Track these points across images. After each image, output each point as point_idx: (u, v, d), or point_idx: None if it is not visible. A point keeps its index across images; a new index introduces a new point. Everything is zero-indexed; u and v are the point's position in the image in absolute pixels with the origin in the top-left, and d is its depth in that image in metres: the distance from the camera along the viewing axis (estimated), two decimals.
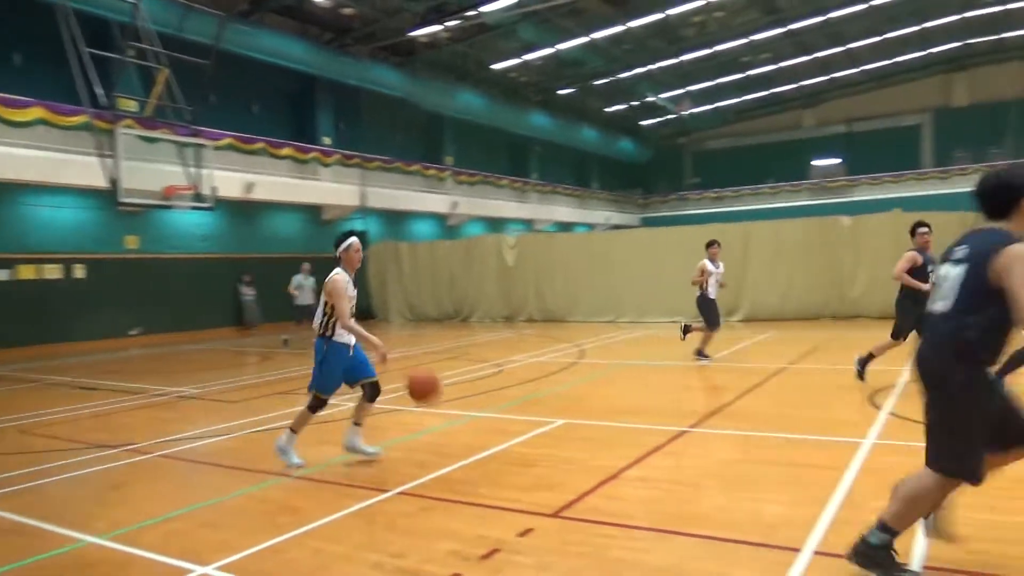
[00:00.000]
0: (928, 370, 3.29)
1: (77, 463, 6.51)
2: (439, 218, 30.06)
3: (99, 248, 18.40)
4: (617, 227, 38.02)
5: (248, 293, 21.10)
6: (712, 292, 11.32)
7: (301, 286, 16.26)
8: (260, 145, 21.67)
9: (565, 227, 36.78)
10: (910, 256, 8.16)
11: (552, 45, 28.49)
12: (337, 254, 6.01)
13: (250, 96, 23.99)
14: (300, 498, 5.20)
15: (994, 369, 3.19)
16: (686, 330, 11.72)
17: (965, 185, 34.16)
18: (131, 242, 19.16)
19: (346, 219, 25.13)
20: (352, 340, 5.88)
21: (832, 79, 38.81)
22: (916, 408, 7.24)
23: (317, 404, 5.97)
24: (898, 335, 8.37)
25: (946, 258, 3.37)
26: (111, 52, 15.05)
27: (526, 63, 30.98)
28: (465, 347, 15.26)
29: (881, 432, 6.32)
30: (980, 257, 3.12)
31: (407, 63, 28.10)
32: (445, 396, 9.03)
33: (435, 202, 28.91)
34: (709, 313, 11.34)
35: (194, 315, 20.08)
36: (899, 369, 9.17)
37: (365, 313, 23.63)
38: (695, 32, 30.13)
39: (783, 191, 40.10)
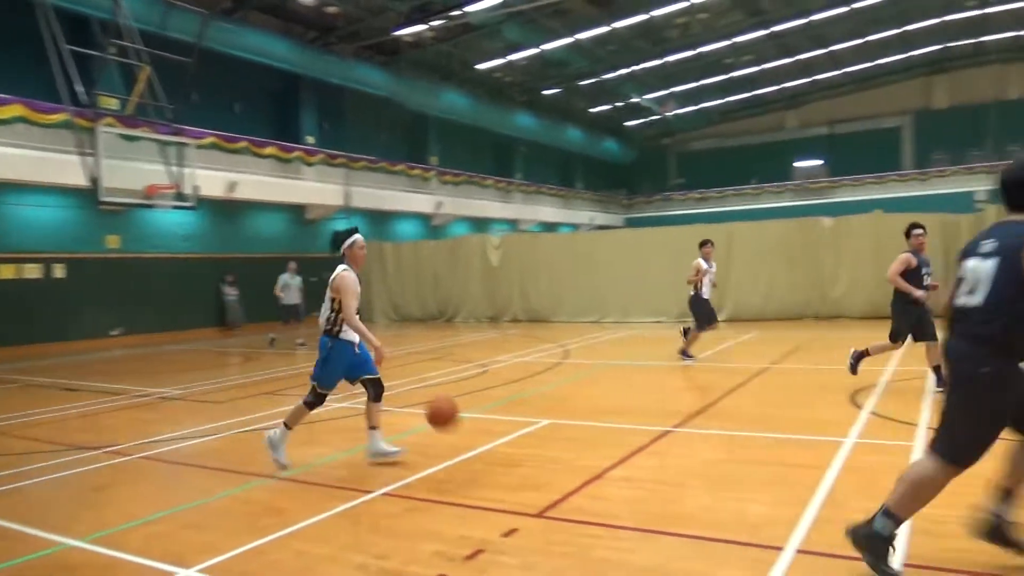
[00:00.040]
0: (958, 363, 3.31)
1: (58, 465, 6.44)
2: (423, 218, 30.01)
3: (80, 248, 18.21)
4: (601, 227, 38.14)
5: (231, 293, 20.97)
6: (706, 292, 11.33)
7: (288, 285, 16.18)
8: (243, 144, 21.53)
9: (550, 227, 36.84)
10: (904, 258, 7.94)
11: (537, 45, 28.54)
12: (341, 251, 5.95)
13: (233, 95, 23.83)
14: (284, 499, 5.17)
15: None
16: (687, 333, 11.70)
17: (945, 187, 34.72)
18: (112, 241, 18.98)
19: (330, 219, 25.04)
20: (358, 338, 5.83)
21: (814, 81, 39.15)
22: (897, 407, 7.34)
23: (315, 400, 5.92)
24: (896, 338, 8.16)
25: (972, 252, 3.38)
26: (92, 49, 14.90)
27: (511, 63, 31.01)
28: (450, 347, 15.25)
29: (862, 431, 6.39)
30: (1011, 250, 3.15)
31: (392, 62, 28.02)
32: (432, 397, 9.03)
33: (419, 202, 28.86)
34: (701, 313, 11.34)
35: (176, 315, 19.93)
36: (881, 369, 9.28)
37: None
38: (679, 33, 30.28)
39: (766, 192, 40.40)
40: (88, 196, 15.26)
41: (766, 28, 30.01)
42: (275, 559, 4.07)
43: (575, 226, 38.82)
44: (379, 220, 27.77)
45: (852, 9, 28.53)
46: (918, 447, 5.69)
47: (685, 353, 11.30)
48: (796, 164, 41.73)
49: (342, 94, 26.65)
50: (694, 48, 31.49)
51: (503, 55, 29.83)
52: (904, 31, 32.57)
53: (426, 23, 24.76)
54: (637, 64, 32.92)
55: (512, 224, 34.89)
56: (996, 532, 3.54)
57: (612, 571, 3.73)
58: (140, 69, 14.76)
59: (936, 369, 7.98)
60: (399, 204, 27.78)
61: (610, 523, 4.36)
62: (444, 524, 4.50)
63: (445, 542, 4.17)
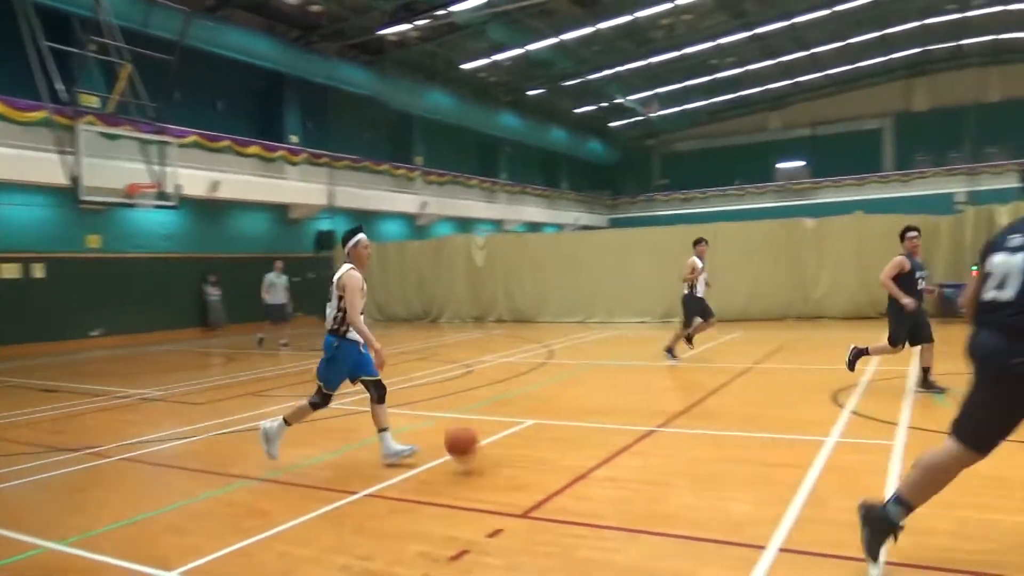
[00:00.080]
0: (989, 357, 3.34)
1: (37, 467, 6.36)
2: (408, 218, 29.94)
3: (59, 247, 18.00)
4: (586, 228, 38.23)
5: (213, 293, 20.82)
6: (700, 290, 11.33)
7: (274, 284, 16.07)
8: (226, 143, 21.38)
9: (534, 227, 36.87)
10: (897, 261, 7.82)
11: (522, 45, 28.55)
12: (346, 251, 5.94)
13: (216, 93, 23.65)
14: (267, 501, 5.14)
15: None
16: (690, 339, 11.64)
17: (926, 188, 35.08)
18: (93, 241, 18.78)
19: (313, 219, 24.93)
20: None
21: (797, 83, 39.46)
22: (878, 407, 7.41)
23: (320, 401, 5.88)
24: (895, 342, 7.97)
25: (999, 247, 3.42)
26: (72, 46, 14.76)
27: (496, 63, 31.00)
28: (434, 348, 15.23)
29: (844, 431, 6.44)
30: None
31: (376, 62, 27.92)
32: (417, 397, 9.03)
33: (404, 202, 28.79)
34: (692, 311, 11.32)
35: (158, 316, 19.75)
36: (862, 368, 9.35)
37: None
38: (663, 35, 30.41)
39: (749, 193, 40.67)
40: (68, 195, 15.08)
41: (749, 30, 30.21)
42: (258, 561, 4.04)
43: (560, 226, 38.88)
44: (363, 220, 27.58)
45: (834, 12, 28.80)
46: (898, 446, 5.75)
47: (671, 351, 11.30)
48: (779, 165, 42.04)
49: (326, 93, 26.52)
50: (678, 49, 31.64)
51: (488, 55, 29.82)
52: (885, 34, 32.91)
53: (411, 22, 24.71)
54: (621, 65, 33.02)
55: (497, 224, 34.89)
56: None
57: (597, 571, 3.73)
58: (121, 67, 14.62)
59: (926, 370, 7.99)
60: (383, 204, 27.69)
61: (595, 523, 4.37)
62: (429, 525, 4.49)
63: (430, 543, 4.16)
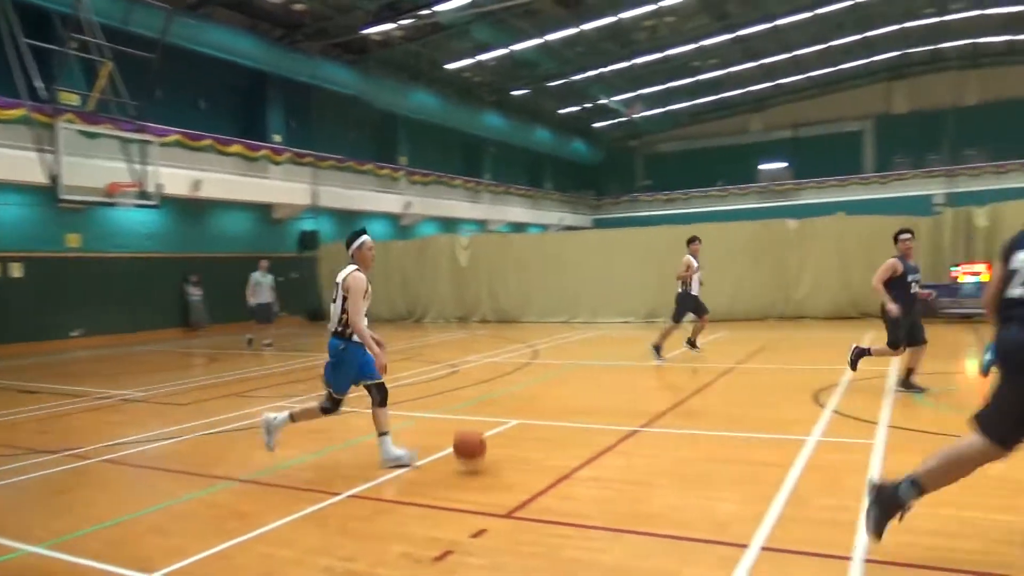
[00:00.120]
0: (1018, 351, 3.39)
1: (17, 469, 6.28)
2: (392, 218, 29.85)
3: (38, 246, 17.78)
4: (570, 228, 38.30)
5: (195, 293, 20.66)
6: (695, 288, 11.41)
7: (259, 284, 15.97)
8: (208, 142, 21.22)
9: (518, 228, 36.89)
10: (890, 264, 7.78)
11: (506, 46, 28.58)
12: (350, 253, 5.88)
13: (198, 92, 23.48)
14: (250, 502, 5.12)
15: None
16: (693, 344, 11.69)
17: (905, 190, 35.47)
18: (72, 240, 18.57)
19: (297, 218, 24.80)
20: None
21: (779, 85, 39.79)
22: (859, 406, 7.48)
23: (331, 406, 5.81)
24: (895, 345, 7.93)
25: (1023, 245, 3.51)
26: (51, 43, 14.55)
27: (480, 63, 31.00)
28: (419, 348, 15.20)
29: (825, 430, 6.50)
30: None
31: (360, 61, 27.83)
32: (404, 397, 9.00)
33: (388, 202, 28.71)
34: (685, 308, 11.37)
35: (139, 316, 19.56)
36: (842, 368, 9.44)
37: (317, 314, 23.35)
38: (647, 36, 30.54)
39: (732, 194, 40.95)
40: (47, 194, 14.88)
41: (732, 32, 30.41)
42: (240, 563, 4.02)
43: (544, 227, 38.93)
44: (347, 220, 27.51)
45: (815, 14, 29.06)
46: (879, 445, 5.82)
47: (658, 349, 11.34)
48: (761, 166, 42.33)
49: (309, 92, 26.40)
50: (661, 51, 31.80)
51: (472, 55, 29.81)
52: (865, 37, 33.26)
53: (394, 22, 24.65)
54: (605, 66, 33.14)
55: (481, 224, 34.87)
56: None
57: (581, 571, 3.75)
58: (102, 64, 14.45)
59: (910, 371, 8.02)
60: (367, 204, 27.59)
61: (579, 523, 4.39)
62: (412, 525, 4.49)
63: (413, 544, 4.16)
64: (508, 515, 4.58)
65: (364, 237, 5.92)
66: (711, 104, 41.81)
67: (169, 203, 18.45)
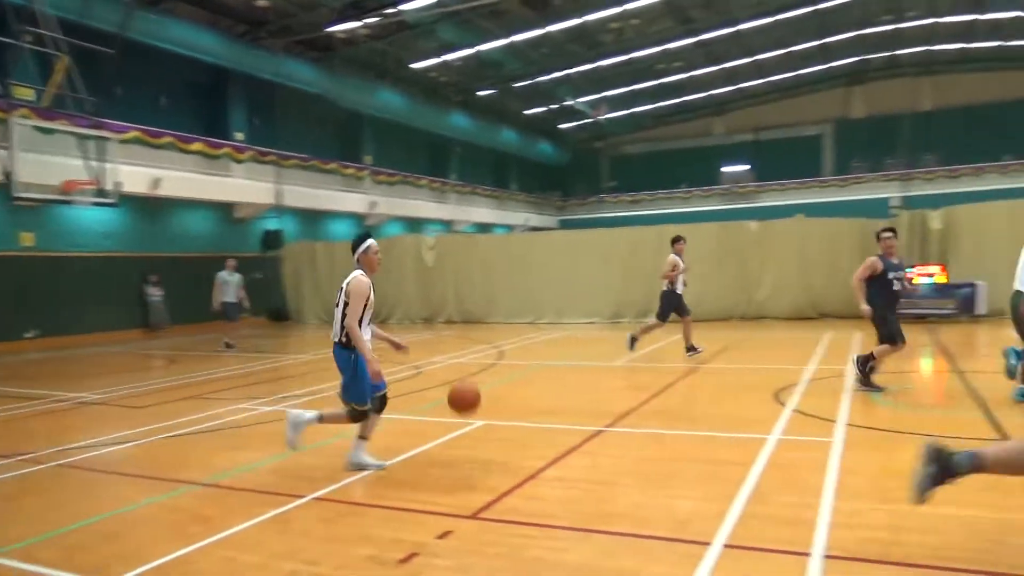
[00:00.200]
0: None
1: None
2: (357, 218, 29.62)
3: None
4: (536, 229, 38.39)
5: (155, 294, 20.25)
6: (680, 287, 11.48)
7: (226, 283, 15.73)
8: (168, 139, 20.83)
9: (484, 228, 36.88)
10: (870, 263, 7.87)
11: (472, 46, 28.54)
12: (355, 257, 5.77)
13: (158, 88, 23.02)
14: (212, 506, 5.04)
15: None
16: (691, 350, 11.50)
17: (862, 193, 36.26)
18: (26, 239, 18.06)
19: (260, 218, 24.47)
20: (371, 345, 5.61)
21: (741, 89, 40.39)
22: (818, 404, 7.62)
23: (357, 416, 5.63)
24: (893, 340, 7.96)
25: None
26: (5, 37, 14.19)
27: (446, 63, 30.91)
28: (383, 348, 15.05)
29: (785, 428, 6.62)
30: None
31: (324, 59, 27.57)
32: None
33: (353, 201, 28.48)
34: (669, 307, 11.44)
35: (97, 317, 19.10)
36: (802, 368, 9.62)
37: (280, 315, 23.08)
38: (612, 39, 30.76)
39: (695, 196, 41.44)
40: (0, 191, 14.52)
41: (695, 36, 30.77)
42: (202, 568, 3.96)
43: (510, 227, 38.98)
44: (311, 220, 27.29)
45: (776, 20, 29.55)
46: (837, 443, 5.94)
47: (633, 340, 11.72)
48: (723, 169, 42.91)
49: (273, 90, 26.07)
50: (626, 53, 32.06)
51: (438, 55, 29.72)
52: (824, 43, 33.93)
53: (360, 20, 24.45)
54: (571, 67, 33.31)
55: (447, 225, 34.79)
56: None
57: (545, 571, 3.77)
58: (58, 59, 14.14)
59: (869, 367, 8.18)
60: (332, 203, 27.35)
61: (544, 523, 4.41)
62: (377, 528, 4.46)
63: (378, 546, 4.13)
64: (474, 516, 4.58)
65: (370, 241, 5.81)
66: (675, 107, 42.26)
67: (128, 201, 18.09)
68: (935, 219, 16.73)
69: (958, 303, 15.34)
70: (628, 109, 41.04)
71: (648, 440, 6.51)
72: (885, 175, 36.80)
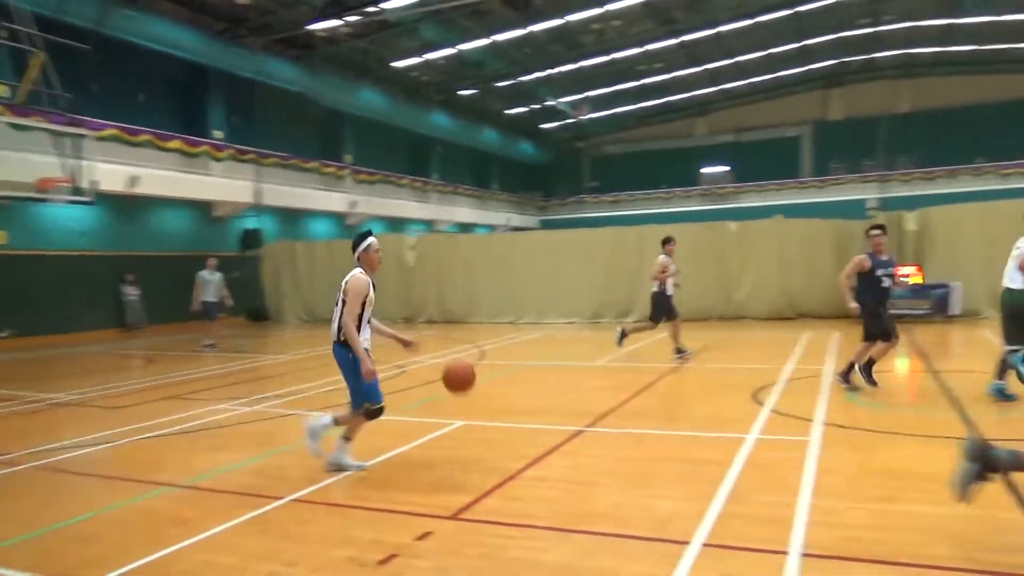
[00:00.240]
0: None
1: None
2: (337, 217, 29.46)
3: None
4: (517, 229, 38.41)
5: (132, 293, 20.02)
6: (670, 288, 11.43)
7: (207, 281, 15.59)
8: (146, 137, 20.59)
9: (465, 228, 36.83)
10: (857, 260, 7.96)
11: (454, 45, 28.49)
12: (356, 256, 5.73)
13: (137, 85, 22.73)
14: (189, 508, 4.99)
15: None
16: (680, 352, 11.47)
17: (841, 194, 36.64)
18: (0, 237, 17.79)
19: (239, 216, 24.26)
20: (370, 344, 5.57)
21: (722, 90, 40.64)
22: (795, 404, 7.68)
23: (374, 414, 5.58)
24: (888, 336, 8.05)
25: None
26: None
27: (428, 62, 30.84)
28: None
29: (764, 427, 6.67)
30: None
31: (305, 57, 27.38)
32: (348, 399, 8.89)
33: (333, 201, 28.32)
34: (660, 309, 11.40)
35: (72, 316, 18.84)
36: (780, 367, 9.70)
37: (259, 315, 22.89)
38: (594, 39, 30.84)
39: (676, 196, 41.66)
40: None
41: (676, 37, 30.94)
42: (180, 570, 3.93)
43: (491, 227, 38.95)
44: (291, 219, 27.11)
45: (756, 22, 29.78)
46: (814, 442, 5.99)
47: (623, 335, 11.80)
48: (703, 170, 43.17)
49: (253, 88, 25.84)
50: (608, 54, 32.17)
51: (420, 54, 29.63)
52: (804, 45, 34.25)
53: (341, 18, 24.33)
54: (553, 67, 33.34)
55: (428, 224, 34.72)
56: None
57: (525, 571, 3.77)
58: (33, 55, 13.92)
59: (852, 365, 8.26)
60: (312, 203, 27.17)
61: (524, 523, 4.41)
62: (357, 529, 4.45)
63: (358, 547, 4.12)
64: (453, 517, 4.57)
65: (370, 239, 5.78)
66: (656, 107, 42.45)
67: (105, 199, 17.85)
68: (911, 220, 16.93)
69: (933, 303, 15.55)
70: (609, 109, 41.17)
71: (628, 440, 6.53)
72: (863, 177, 37.22)
